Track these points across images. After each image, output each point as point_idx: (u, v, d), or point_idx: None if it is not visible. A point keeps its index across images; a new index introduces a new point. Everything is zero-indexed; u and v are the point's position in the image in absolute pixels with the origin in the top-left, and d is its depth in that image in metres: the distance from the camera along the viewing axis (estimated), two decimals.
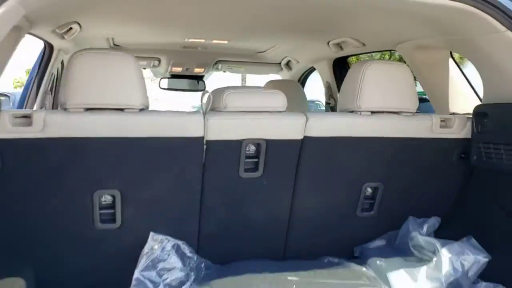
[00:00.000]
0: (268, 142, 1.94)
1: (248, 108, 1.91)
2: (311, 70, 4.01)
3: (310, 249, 2.19)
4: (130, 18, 2.43)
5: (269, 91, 2.01)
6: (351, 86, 2.03)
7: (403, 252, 2.09)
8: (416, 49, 2.41)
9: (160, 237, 1.96)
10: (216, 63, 4.05)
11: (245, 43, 3.43)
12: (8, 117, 1.64)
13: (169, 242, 1.97)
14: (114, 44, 3.28)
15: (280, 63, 4.04)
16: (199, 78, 4.23)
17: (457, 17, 1.78)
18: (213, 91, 1.97)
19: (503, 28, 1.67)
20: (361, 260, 2.18)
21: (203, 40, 3.14)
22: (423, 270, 1.86)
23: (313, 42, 3.14)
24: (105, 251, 1.93)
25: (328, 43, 3.01)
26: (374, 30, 2.47)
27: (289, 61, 3.92)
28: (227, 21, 2.54)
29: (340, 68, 3.52)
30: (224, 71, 4.30)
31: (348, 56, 3.45)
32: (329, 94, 3.66)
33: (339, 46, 3.01)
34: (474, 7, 1.69)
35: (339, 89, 3.58)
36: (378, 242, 2.23)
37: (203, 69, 4.08)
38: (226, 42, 3.21)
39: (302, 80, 4.16)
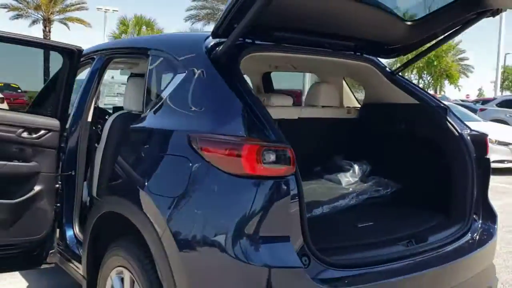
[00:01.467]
0: (285, 119, 4.14)
1: (278, 103, 4.09)
2: None
3: None
4: None
5: (283, 96, 4.24)
6: (313, 94, 4.38)
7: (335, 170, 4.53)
8: (327, 74, 4.87)
9: None
10: None
11: None
12: None
13: None
14: None
15: None
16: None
17: (357, 66, 4.21)
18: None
19: (381, 74, 4.18)
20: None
21: None
22: (348, 173, 4.34)
23: (259, 61, 5.34)
24: None
25: (269, 65, 5.26)
26: (306, 63, 4.83)
27: None
28: None
29: (267, 77, 5.81)
30: None
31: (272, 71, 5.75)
32: None
33: (275, 66, 5.29)
34: (368, 64, 4.16)
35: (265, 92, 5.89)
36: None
37: None
38: None
39: None
